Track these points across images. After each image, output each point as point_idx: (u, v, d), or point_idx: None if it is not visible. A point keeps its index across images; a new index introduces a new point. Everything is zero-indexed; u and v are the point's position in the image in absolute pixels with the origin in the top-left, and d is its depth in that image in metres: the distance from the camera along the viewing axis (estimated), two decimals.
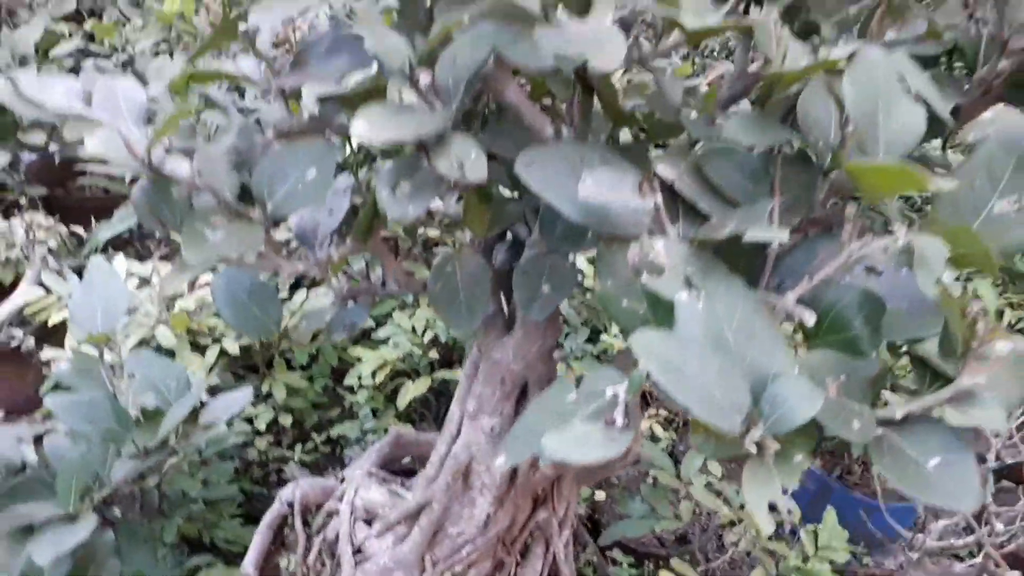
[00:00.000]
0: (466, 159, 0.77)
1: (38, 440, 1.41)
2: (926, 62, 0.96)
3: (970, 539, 1.64)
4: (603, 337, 2.13)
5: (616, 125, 1.00)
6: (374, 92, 1.00)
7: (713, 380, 0.64)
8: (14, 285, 2.39)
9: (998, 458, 1.57)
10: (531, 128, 1.00)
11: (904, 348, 0.80)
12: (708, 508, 1.94)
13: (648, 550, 2.01)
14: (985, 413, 0.70)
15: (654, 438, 2.02)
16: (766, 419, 0.64)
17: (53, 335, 2.15)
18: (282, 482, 1.95)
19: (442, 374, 2.04)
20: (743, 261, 0.80)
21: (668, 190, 0.80)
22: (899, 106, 0.68)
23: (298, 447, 2.02)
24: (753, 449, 0.64)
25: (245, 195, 0.92)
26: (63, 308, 1.95)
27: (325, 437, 2.07)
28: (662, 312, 0.73)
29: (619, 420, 0.65)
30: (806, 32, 0.95)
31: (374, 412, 2.04)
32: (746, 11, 0.91)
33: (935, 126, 0.84)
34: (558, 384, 0.78)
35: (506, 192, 1.12)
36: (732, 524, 1.82)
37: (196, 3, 3.21)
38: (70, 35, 3.41)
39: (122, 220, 2.28)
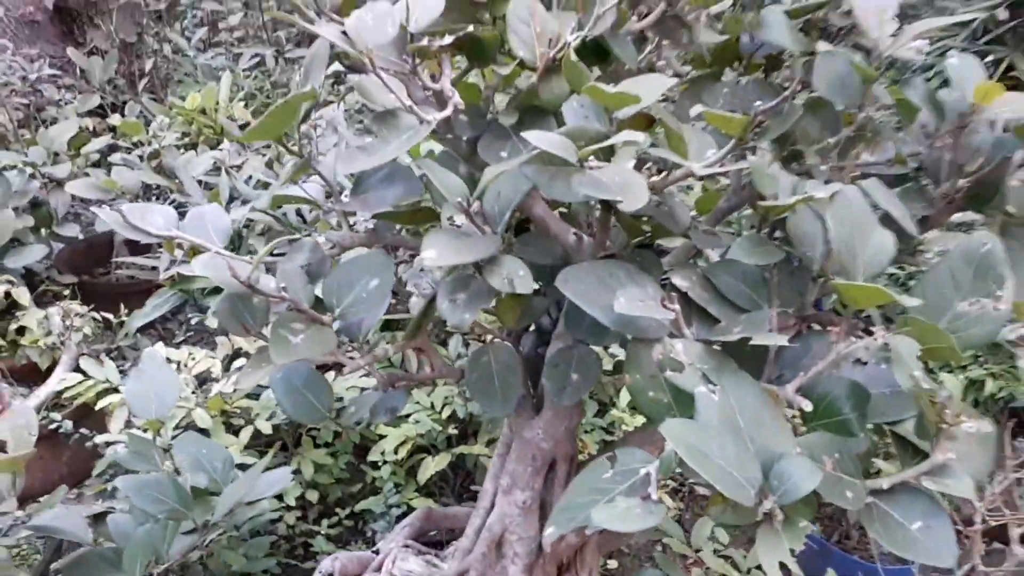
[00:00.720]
0: (515, 276, 0.92)
1: (98, 518, 1.52)
2: (899, 179, 1.13)
3: None
4: (612, 412, 2.26)
5: (631, 236, 1.15)
6: (421, 211, 1.16)
7: (731, 460, 0.78)
8: (50, 370, 2.51)
9: (984, 520, 1.69)
10: (556, 236, 1.16)
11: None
12: (718, 572, 2.05)
13: None
14: (957, 483, 0.84)
15: None
16: (775, 492, 0.78)
17: (88, 418, 2.27)
18: (309, 555, 2.04)
19: (460, 449, 2.16)
20: (749, 355, 0.94)
21: (683, 296, 0.96)
22: (873, 234, 0.84)
23: (324, 521, 2.12)
24: (765, 517, 0.78)
25: (318, 303, 1.07)
26: (105, 394, 2.07)
27: (348, 512, 2.18)
28: (684, 402, 0.88)
29: (653, 496, 0.79)
30: (793, 157, 1.12)
31: (396, 487, 2.15)
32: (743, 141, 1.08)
33: (906, 238, 1.01)
34: (594, 464, 0.91)
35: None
36: None
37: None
38: (94, 129, 3.62)
39: (155, 308, 2.42)
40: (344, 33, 0.88)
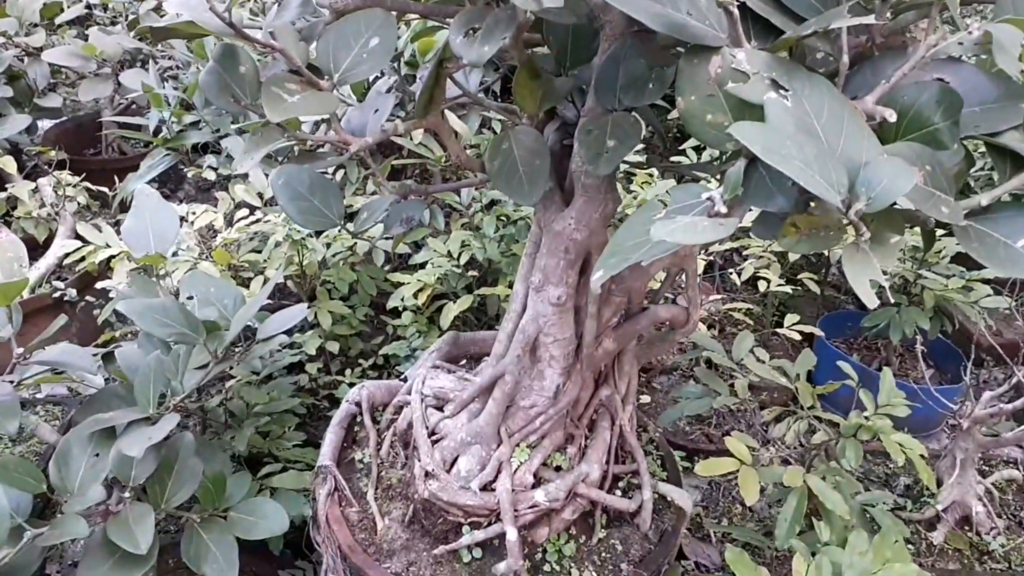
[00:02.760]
0: None
1: (106, 357, 1.44)
2: None
3: (1019, 402, 1.66)
4: None
5: None
6: None
7: (811, 162, 0.66)
8: (47, 243, 2.41)
9: None
10: None
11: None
12: (754, 406, 1.98)
13: (698, 447, 2.05)
14: None
15: None
16: (865, 197, 0.66)
17: (90, 287, 2.18)
18: (335, 403, 1.98)
19: (482, 291, 2.06)
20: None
21: (740, 7, 0.82)
22: None
23: (347, 372, 2.05)
24: (852, 227, 0.66)
25: (312, 70, 0.94)
26: (105, 249, 1.97)
27: (372, 363, 2.11)
28: (748, 117, 0.75)
29: (722, 210, 0.67)
30: None
31: (419, 333, 2.06)
32: None
33: None
34: (644, 207, 0.80)
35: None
36: (778, 420, 1.85)
37: None
38: (70, 5, 3.40)
39: (151, 168, 2.29)
40: None
